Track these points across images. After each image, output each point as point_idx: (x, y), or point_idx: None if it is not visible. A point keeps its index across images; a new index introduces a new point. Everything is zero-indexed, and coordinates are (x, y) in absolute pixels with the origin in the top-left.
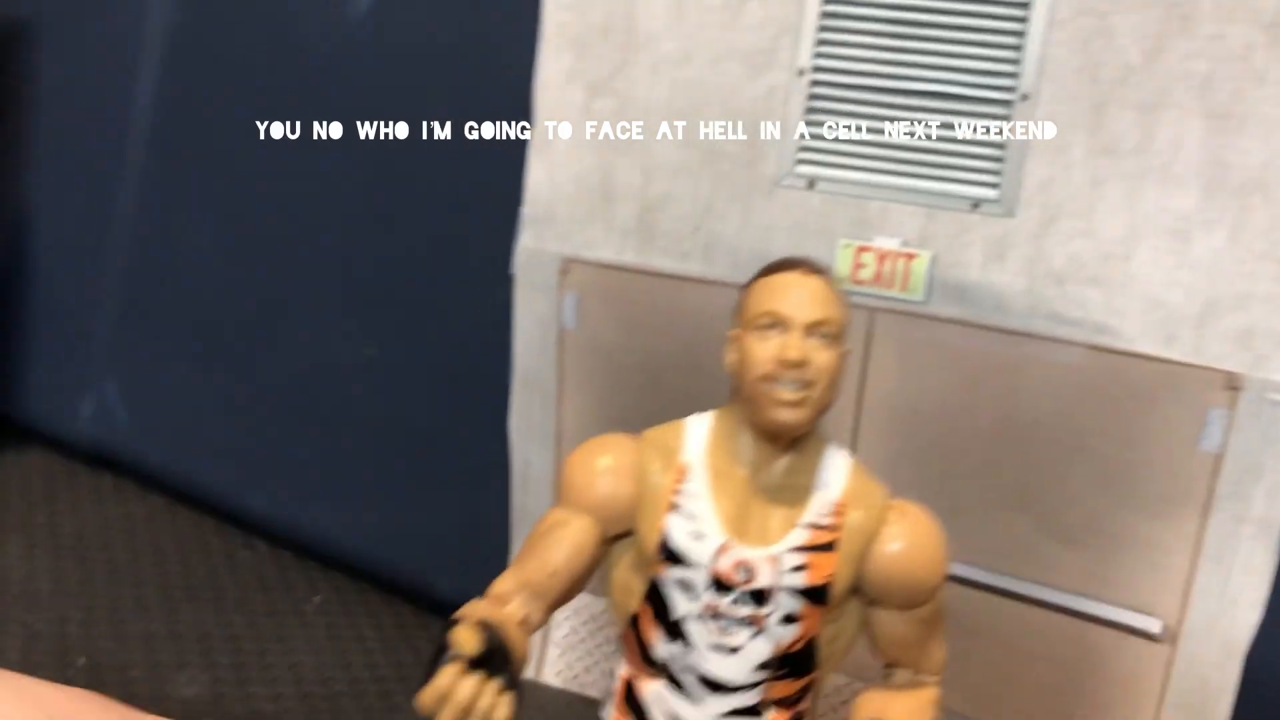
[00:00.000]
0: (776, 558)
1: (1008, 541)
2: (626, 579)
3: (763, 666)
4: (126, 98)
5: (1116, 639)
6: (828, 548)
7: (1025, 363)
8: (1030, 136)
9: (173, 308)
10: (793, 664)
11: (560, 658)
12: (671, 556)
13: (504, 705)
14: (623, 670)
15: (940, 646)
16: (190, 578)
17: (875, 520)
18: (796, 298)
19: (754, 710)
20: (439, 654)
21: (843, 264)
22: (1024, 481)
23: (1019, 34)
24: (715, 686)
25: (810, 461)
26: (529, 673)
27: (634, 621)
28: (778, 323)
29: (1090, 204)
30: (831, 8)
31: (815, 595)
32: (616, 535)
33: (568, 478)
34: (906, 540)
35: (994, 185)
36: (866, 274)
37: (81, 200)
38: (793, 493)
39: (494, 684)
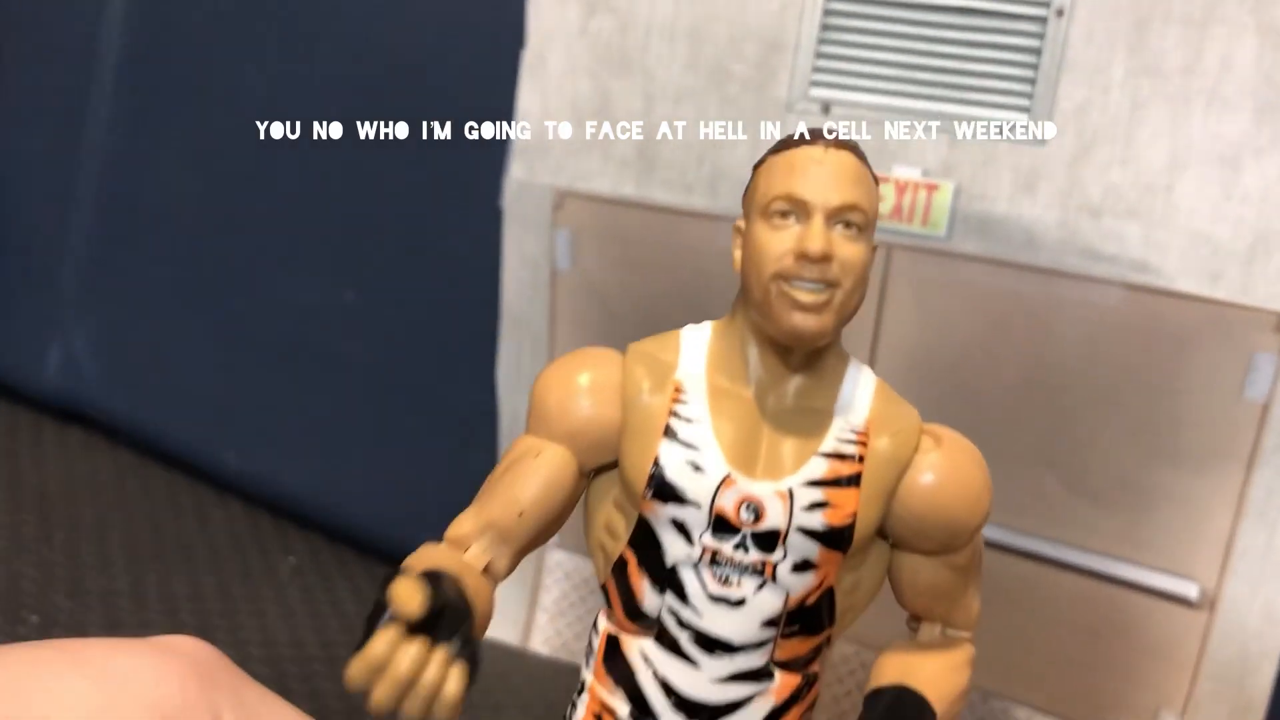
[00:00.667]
0: (790, 494)
1: (1033, 499)
2: (609, 518)
3: (771, 623)
4: (93, 27)
5: (1149, 604)
6: (851, 482)
7: (1056, 304)
8: (1064, 56)
9: (142, 252)
10: (806, 619)
11: (550, 624)
12: (665, 492)
13: (455, 678)
14: (604, 624)
15: (976, 597)
16: (158, 536)
17: (906, 448)
18: (819, 178)
19: (760, 674)
20: (376, 613)
21: None
22: (1052, 434)
23: None
24: (715, 646)
25: (829, 381)
26: (516, 638)
27: (618, 569)
28: (796, 208)
29: (1130, 130)
30: None
31: (835, 539)
32: (597, 468)
33: (539, 398)
34: (943, 471)
35: (1024, 110)
36: (884, 207)
37: (45, 137)
38: (809, 417)
39: (441, 652)
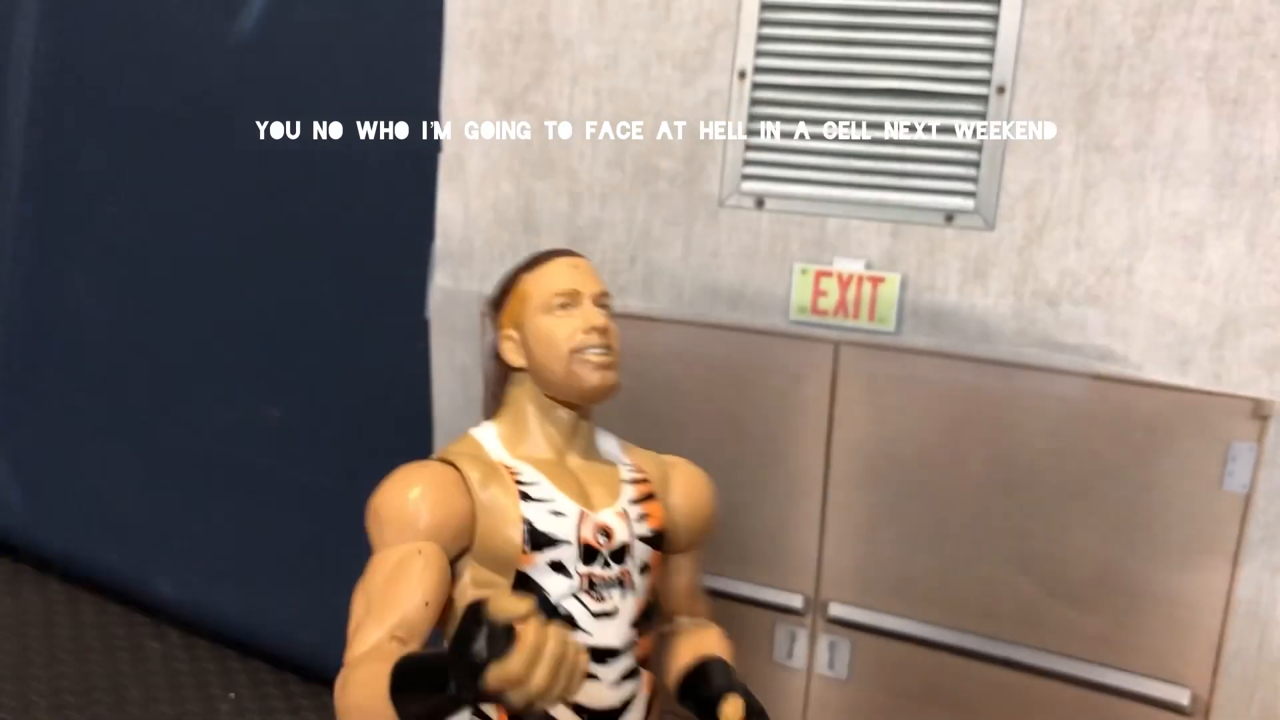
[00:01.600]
0: (625, 512)
1: (1008, 604)
2: (475, 596)
3: (634, 624)
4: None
5: (1139, 713)
6: (652, 497)
7: (1017, 397)
8: (1009, 135)
9: (62, 375)
10: (646, 617)
11: None
12: (539, 540)
13: (585, 656)
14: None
15: (705, 597)
16: (88, 674)
17: (663, 473)
18: (580, 274)
19: (634, 673)
20: (471, 623)
21: (801, 292)
22: (1023, 535)
23: (990, 16)
24: (606, 655)
25: (595, 442)
26: None
27: None
28: (571, 299)
29: (1083, 210)
30: None
31: (657, 541)
32: (453, 557)
33: (388, 515)
34: (691, 482)
35: (969, 194)
36: (828, 303)
37: None
38: (600, 463)
39: (568, 635)
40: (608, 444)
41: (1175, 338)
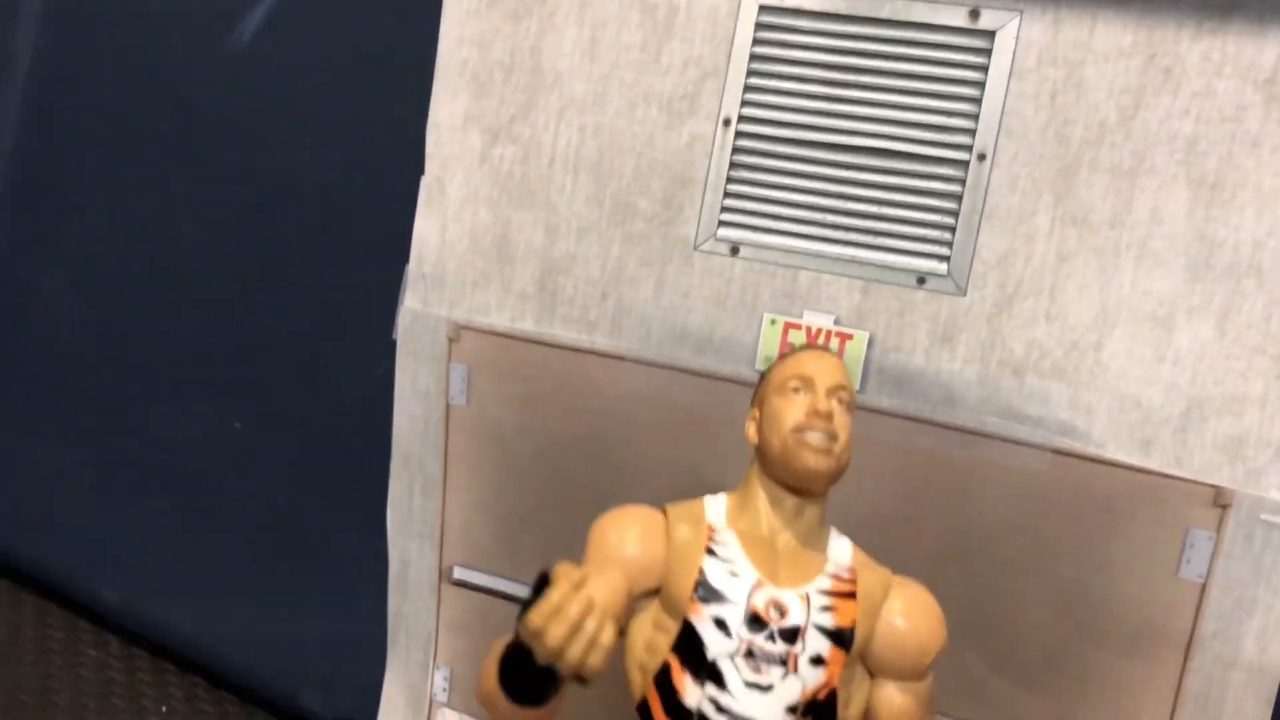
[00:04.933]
0: (807, 597)
1: (954, 679)
2: (650, 637)
3: (791, 710)
4: None
5: None
6: (850, 595)
7: (977, 466)
8: (986, 203)
9: (21, 377)
10: (817, 714)
11: None
12: (709, 594)
13: (609, 629)
14: None
15: None
16: (20, 678)
17: (883, 587)
18: (820, 364)
19: None
20: (540, 585)
21: (769, 342)
22: (973, 606)
23: (976, 84)
24: None
25: (820, 535)
26: None
27: (660, 676)
28: (805, 385)
29: (1056, 282)
30: (762, 49)
31: (841, 638)
32: (638, 595)
33: (592, 541)
34: (911, 607)
35: (943, 258)
36: None
37: None
38: (811, 553)
39: (600, 609)
40: (838, 544)
41: (1139, 418)
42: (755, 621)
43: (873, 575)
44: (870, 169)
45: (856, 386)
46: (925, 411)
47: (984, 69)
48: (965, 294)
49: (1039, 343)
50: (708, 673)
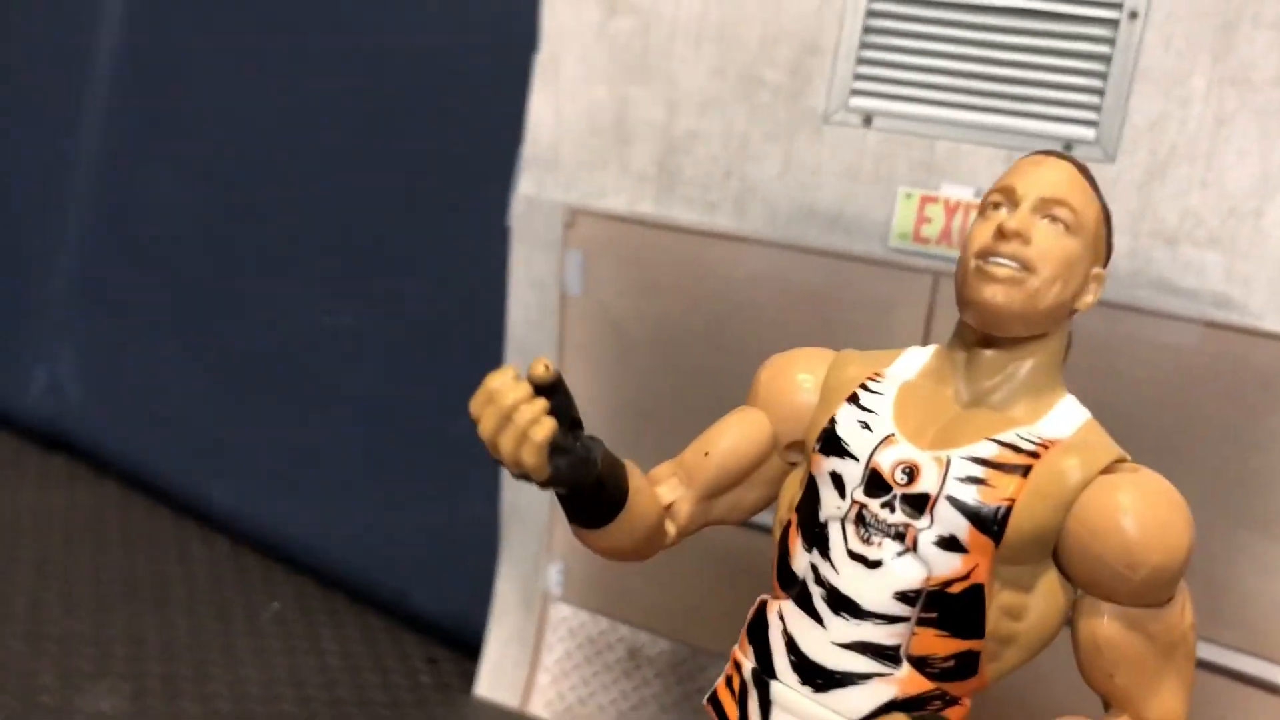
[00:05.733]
0: (947, 461)
1: None
2: (794, 494)
3: (905, 599)
4: (87, 40)
5: (1229, 690)
6: (1017, 470)
7: (1123, 342)
8: (1137, 64)
9: (133, 272)
10: (947, 610)
11: (551, 685)
12: (830, 445)
13: (545, 425)
14: (762, 597)
15: (1176, 696)
16: (132, 575)
17: (1093, 465)
18: (1032, 174)
19: (886, 654)
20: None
21: (904, 218)
22: None
23: None
24: (843, 605)
25: (1037, 402)
26: (515, 700)
27: (783, 535)
28: (1007, 199)
29: (1213, 147)
30: None
31: (986, 521)
32: (791, 444)
33: (756, 376)
34: (1130, 494)
35: (1091, 123)
36: (931, 230)
37: (35, 151)
38: (1001, 416)
39: (542, 401)
40: (1063, 414)
41: None
42: (875, 482)
43: (1080, 458)
44: (1014, 30)
45: None
46: None
47: None
48: (1114, 161)
49: (1193, 211)
50: (816, 536)
